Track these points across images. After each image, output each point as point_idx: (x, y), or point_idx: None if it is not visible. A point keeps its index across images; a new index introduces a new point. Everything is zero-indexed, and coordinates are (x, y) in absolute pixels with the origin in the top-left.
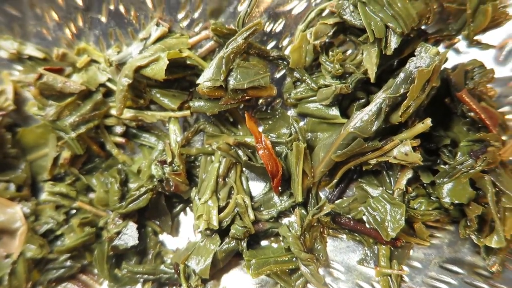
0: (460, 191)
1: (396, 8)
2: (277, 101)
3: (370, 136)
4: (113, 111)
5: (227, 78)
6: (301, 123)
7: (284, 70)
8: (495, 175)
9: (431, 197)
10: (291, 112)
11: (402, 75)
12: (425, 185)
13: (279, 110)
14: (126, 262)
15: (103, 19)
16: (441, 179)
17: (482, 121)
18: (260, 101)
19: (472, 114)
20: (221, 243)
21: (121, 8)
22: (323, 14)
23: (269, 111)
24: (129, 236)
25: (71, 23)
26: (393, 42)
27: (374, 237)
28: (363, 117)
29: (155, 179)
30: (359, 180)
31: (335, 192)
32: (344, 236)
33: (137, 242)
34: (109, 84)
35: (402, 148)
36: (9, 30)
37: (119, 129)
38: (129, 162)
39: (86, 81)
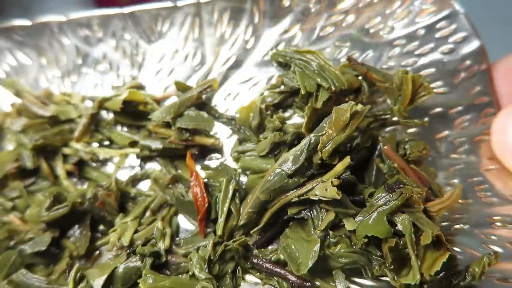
0: (376, 226)
1: (327, 72)
2: (224, 160)
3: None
4: (72, 143)
5: (176, 118)
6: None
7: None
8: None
9: (353, 245)
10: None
11: (327, 118)
12: (349, 235)
13: (223, 166)
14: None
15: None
16: (360, 217)
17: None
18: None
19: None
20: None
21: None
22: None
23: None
24: (39, 243)
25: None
26: (323, 97)
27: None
28: (288, 156)
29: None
30: (286, 230)
31: (262, 239)
32: (260, 280)
33: (43, 248)
34: (78, 120)
35: (323, 185)
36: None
37: (73, 159)
38: (72, 190)
39: (60, 112)
